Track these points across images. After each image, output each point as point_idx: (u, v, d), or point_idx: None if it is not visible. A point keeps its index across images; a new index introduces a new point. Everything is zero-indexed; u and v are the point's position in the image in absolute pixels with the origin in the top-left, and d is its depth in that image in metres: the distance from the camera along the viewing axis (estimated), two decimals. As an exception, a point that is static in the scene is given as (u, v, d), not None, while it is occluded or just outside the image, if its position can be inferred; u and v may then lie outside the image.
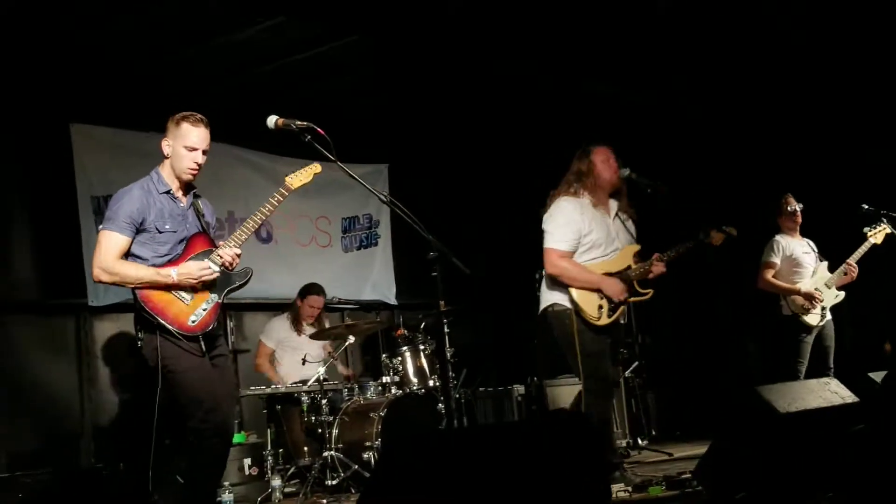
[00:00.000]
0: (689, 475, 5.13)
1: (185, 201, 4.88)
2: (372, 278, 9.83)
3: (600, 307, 5.60)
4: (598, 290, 5.61)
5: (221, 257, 4.78)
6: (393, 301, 9.88)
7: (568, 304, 5.64)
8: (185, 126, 4.75)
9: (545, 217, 5.79)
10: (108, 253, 4.67)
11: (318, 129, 4.56)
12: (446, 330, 7.40)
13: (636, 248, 5.85)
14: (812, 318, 7.31)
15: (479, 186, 10.61)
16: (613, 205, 5.90)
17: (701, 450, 4.86)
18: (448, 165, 10.32)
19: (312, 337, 7.62)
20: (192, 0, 6.56)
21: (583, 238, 5.67)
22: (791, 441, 4.11)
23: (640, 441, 8.20)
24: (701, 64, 8.28)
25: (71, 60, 7.20)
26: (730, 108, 9.27)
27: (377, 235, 9.91)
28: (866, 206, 7.27)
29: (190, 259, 4.76)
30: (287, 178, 5.01)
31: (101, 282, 4.82)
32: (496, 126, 9.58)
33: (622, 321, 5.80)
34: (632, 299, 5.73)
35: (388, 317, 9.65)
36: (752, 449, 4.21)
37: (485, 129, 9.66)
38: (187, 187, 4.91)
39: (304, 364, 7.46)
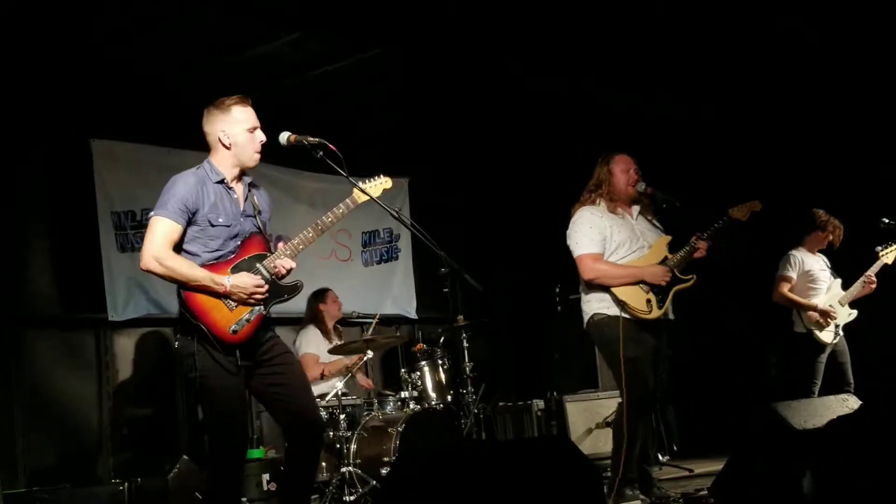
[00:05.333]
0: (706, 492, 5.09)
1: (239, 192, 4.64)
2: (392, 293, 9.83)
3: (648, 301, 5.57)
4: (640, 282, 5.58)
5: (276, 267, 4.57)
6: (413, 315, 9.87)
7: (607, 312, 5.60)
8: (238, 109, 4.55)
9: (567, 233, 5.80)
10: (161, 241, 4.39)
11: (330, 146, 4.53)
12: (465, 344, 7.47)
13: (667, 238, 5.82)
14: (826, 336, 7.32)
15: (499, 200, 10.62)
16: (635, 209, 5.90)
17: (722, 465, 4.81)
18: (469, 179, 10.33)
19: (331, 351, 7.62)
20: (212, 16, 6.59)
21: (607, 240, 5.67)
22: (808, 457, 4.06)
23: (660, 457, 8.13)
24: (720, 72, 8.26)
25: (92, 76, 7.26)
26: (747, 121, 9.23)
27: (398, 249, 9.91)
28: (887, 220, 7.18)
29: (242, 262, 4.53)
30: (355, 191, 4.76)
31: (150, 272, 4.43)
32: (517, 139, 9.59)
33: (671, 316, 5.74)
34: (676, 287, 5.65)
35: (408, 331, 9.64)
36: (769, 466, 4.17)
37: (506, 142, 9.67)
38: (241, 177, 4.68)
39: (322, 378, 7.48)
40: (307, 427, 4.66)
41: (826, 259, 7.60)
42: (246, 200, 4.67)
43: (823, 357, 7.35)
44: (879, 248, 7.28)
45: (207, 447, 4.67)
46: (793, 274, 7.43)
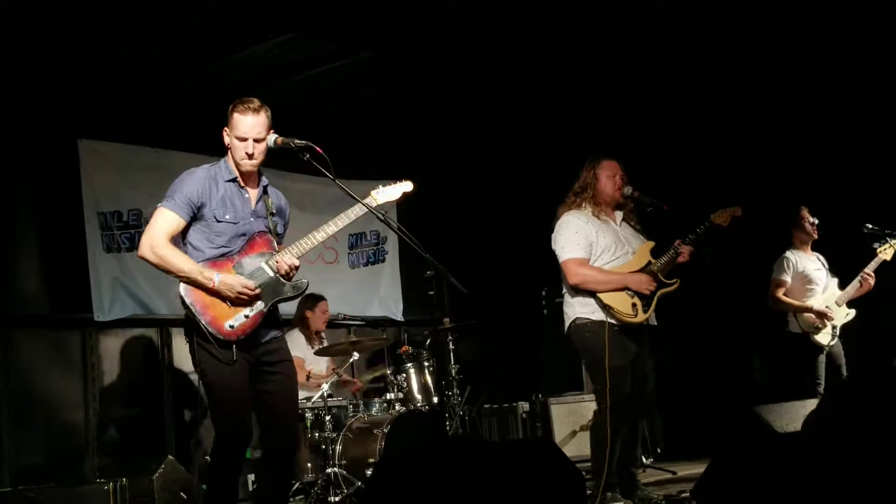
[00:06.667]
0: (688, 495, 5.11)
1: (252, 193, 4.72)
2: (379, 295, 9.83)
3: (634, 305, 5.58)
4: (625, 288, 5.60)
5: (278, 263, 4.61)
6: (399, 317, 9.88)
7: (590, 317, 5.62)
8: (235, 116, 4.62)
9: (553, 237, 5.81)
10: (159, 230, 4.50)
11: (317, 149, 4.56)
12: (451, 346, 7.50)
13: (651, 244, 5.85)
14: (823, 338, 7.19)
15: (489, 203, 10.64)
16: (619, 214, 5.92)
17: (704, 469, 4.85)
18: (459, 181, 10.34)
19: (317, 353, 7.64)
20: (203, 16, 6.58)
21: (593, 245, 5.69)
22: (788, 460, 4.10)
23: (644, 459, 8.15)
24: (709, 77, 8.29)
25: (80, 76, 7.25)
26: (739, 123, 9.26)
27: (384, 252, 9.91)
28: (870, 226, 7.12)
29: (246, 259, 4.58)
30: (372, 192, 4.93)
31: (144, 259, 4.54)
32: (506, 141, 9.60)
33: (654, 323, 5.77)
34: (661, 291, 5.67)
35: (394, 333, 9.65)
36: (751, 468, 4.21)
37: (495, 145, 9.69)
38: (256, 178, 4.76)
39: (308, 380, 7.49)
40: (281, 442, 4.72)
41: (822, 258, 7.47)
42: (259, 201, 4.74)
43: (822, 357, 7.19)
44: (877, 244, 7.14)
45: (212, 442, 4.68)
46: (787, 277, 7.28)
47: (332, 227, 4.74)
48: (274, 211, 4.80)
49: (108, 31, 6.65)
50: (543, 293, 9.08)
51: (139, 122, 7.82)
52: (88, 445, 7.49)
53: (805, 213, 7.41)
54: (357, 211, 4.80)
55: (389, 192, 5.02)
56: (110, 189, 7.70)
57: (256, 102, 4.67)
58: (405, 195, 5.09)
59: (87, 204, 7.57)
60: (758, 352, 9.49)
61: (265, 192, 4.80)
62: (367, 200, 4.85)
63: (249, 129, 4.62)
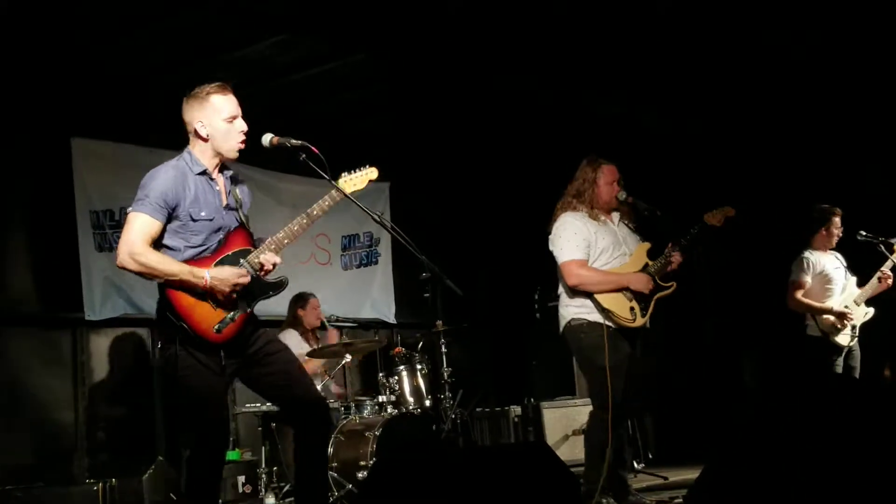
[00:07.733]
0: (681, 501, 5.09)
1: (221, 184, 4.48)
2: (371, 297, 9.82)
3: (632, 309, 5.55)
4: (625, 289, 5.57)
5: (260, 262, 4.41)
6: (392, 320, 9.87)
7: (586, 317, 5.58)
8: (216, 98, 4.38)
9: (551, 238, 5.77)
10: (137, 237, 4.19)
11: (313, 148, 4.48)
12: (443, 349, 7.48)
13: (647, 245, 5.80)
14: (842, 339, 7.05)
15: (480, 205, 10.63)
16: (616, 215, 5.89)
17: (697, 474, 4.82)
18: (450, 184, 10.34)
19: (310, 355, 7.60)
20: (199, 15, 6.58)
21: (592, 246, 5.66)
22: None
23: (635, 464, 8.14)
24: (704, 80, 8.29)
25: (73, 75, 7.24)
26: (734, 126, 9.26)
27: (377, 254, 9.90)
28: (864, 233, 7.05)
29: (227, 257, 4.36)
30: (340, 181, 4.62)
31: (125, 269, 4.24)
32: (499, 144, 9.60)
33: (646, 326, 5.72)
34: (658, 294, 5.64)
35: (387, 335, 9.63)
36: (745, 474, 4.18)
37: (487, 147, 9.68)
38: (222, 168, 4.53)
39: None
40: (312, 407, 4.58)
41: (840, 256, 7.32)
42: (229, 194, 4.53)
43: (840, 360, 7.08)
44: (894, 241, 6.99)
45: (189, 448, 4.58)
46: (807, 278, 7.12)
47: (306, 220, 4.54)
48: (242, 204, 4.58)
49: (103, 29, 6.65)
50: (536, 296, 9.07)
51: (132, 120, 7.80)
52: (78, 445, 7.45)
53: (837, 218, 7.24)
54: (329, 202, 4.58)
55: (356, 180, 4.69)
56: (103, 188, 7.68)
57: (222, 82, 4.47)
58: (370, 182, 4.89)
59: (80, 202, 7.55)
60: (749, 357, 9.48)
61: (232, 183, 4.58)
62: (336, 191, 4.58)
63: (236, 105, 4.44)
